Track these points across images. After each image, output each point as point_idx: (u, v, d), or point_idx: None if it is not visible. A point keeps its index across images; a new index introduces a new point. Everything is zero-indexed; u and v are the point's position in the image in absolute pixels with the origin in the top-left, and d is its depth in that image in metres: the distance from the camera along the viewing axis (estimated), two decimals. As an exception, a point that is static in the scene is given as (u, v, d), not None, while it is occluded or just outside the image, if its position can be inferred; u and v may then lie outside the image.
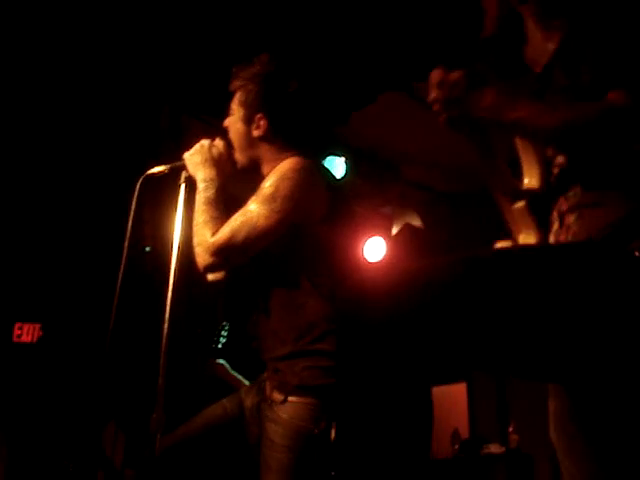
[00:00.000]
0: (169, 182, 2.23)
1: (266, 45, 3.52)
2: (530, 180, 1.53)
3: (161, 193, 2.82)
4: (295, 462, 1.90)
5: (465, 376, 5.41)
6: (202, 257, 2.01)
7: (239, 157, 2.20)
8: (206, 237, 2.01)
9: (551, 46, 1.53)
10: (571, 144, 1.44)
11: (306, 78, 2.20)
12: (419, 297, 1.28)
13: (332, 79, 3.61)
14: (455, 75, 1.43)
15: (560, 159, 1.50)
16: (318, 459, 1.95)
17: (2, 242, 3.91)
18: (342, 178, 4.60)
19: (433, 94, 1.44)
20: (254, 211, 1.98)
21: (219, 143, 2.20)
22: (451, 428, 5.30)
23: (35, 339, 4.15)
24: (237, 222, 1.99)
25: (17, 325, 4.12)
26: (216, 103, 3.90)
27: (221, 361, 3.81)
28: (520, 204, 1.54)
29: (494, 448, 5.10)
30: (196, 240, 2.05)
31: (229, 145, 2.21)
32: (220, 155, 2.17)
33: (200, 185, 2.10)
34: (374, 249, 5.26)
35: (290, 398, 1.95)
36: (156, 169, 2.20)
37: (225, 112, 2.24)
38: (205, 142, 2.19)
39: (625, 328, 1.26)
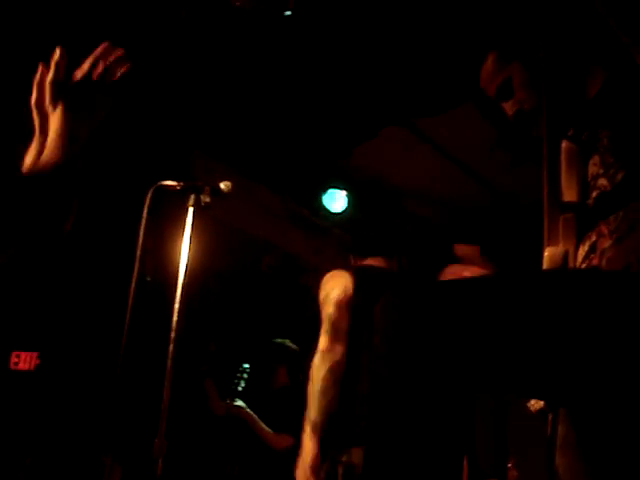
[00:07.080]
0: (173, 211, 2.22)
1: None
2: (568, 194, 1.54)
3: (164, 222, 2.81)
4: None
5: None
6: None
7: None
8: None
9: None
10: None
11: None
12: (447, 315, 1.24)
13: (335, 113, 3.64)
14: None
15: (602, 182, 1.48)
16: None
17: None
18: (343, 211, 4.62)
19: None
20: None
21: None
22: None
23: (33, 367, 4.11)
24: None
25: (14, 354, 4.09)
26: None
27: (239, 403, 3.79)
28: (569, 215, 1.53)
29: (493, 484, 5.02)
30: None
31: None
32: None
33: None
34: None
35: None
36: (168, 182, 2.18)
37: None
38: None
39: None
